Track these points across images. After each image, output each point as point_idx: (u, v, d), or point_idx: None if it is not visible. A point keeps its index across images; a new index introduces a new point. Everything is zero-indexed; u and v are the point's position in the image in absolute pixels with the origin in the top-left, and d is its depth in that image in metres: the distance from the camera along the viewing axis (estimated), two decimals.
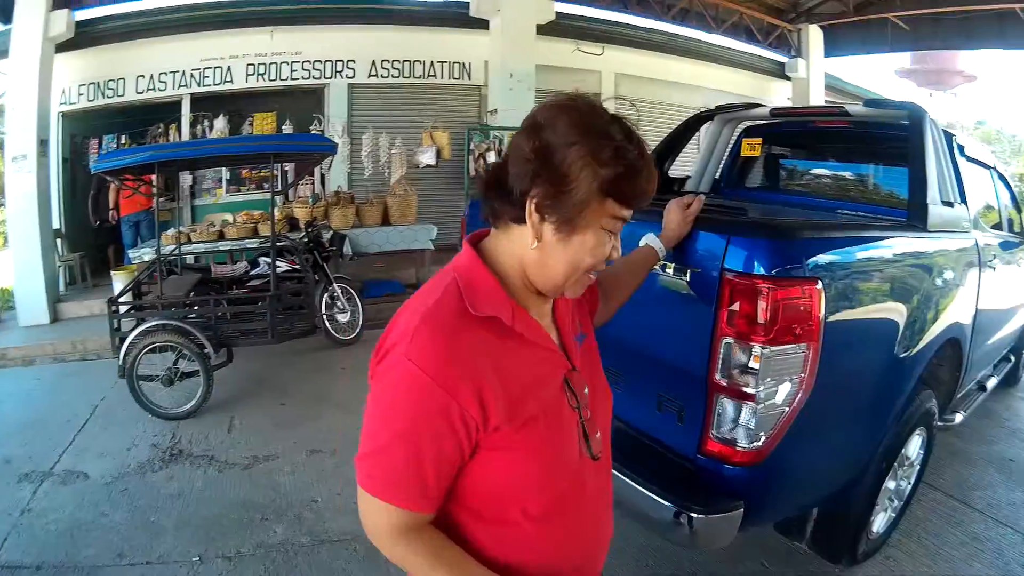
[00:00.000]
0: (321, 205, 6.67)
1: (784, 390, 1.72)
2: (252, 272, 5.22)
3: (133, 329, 4.12)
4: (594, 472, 1.05)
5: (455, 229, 8.01)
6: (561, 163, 0.89)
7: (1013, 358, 4.68)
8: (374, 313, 5.85)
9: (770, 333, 1.65)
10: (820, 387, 1.78)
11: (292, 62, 7.89)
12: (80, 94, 7.73)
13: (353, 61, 8.08)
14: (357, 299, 5.51)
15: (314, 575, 2.55)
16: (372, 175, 7.50)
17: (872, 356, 2.14)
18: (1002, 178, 4.17)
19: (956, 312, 2.72)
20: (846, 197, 3.63)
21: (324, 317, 5.20)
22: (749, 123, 4.26)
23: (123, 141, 7.88)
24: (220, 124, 7.86)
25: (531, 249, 0.94)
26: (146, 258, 5.77)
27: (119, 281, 5.73)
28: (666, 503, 1.79)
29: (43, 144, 6.60)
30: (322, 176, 8.04)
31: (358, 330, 5.47)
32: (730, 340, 1.70)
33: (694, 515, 1.74)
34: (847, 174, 3.87)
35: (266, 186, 8.12)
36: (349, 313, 5.40)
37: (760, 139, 4.07)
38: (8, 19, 6.64)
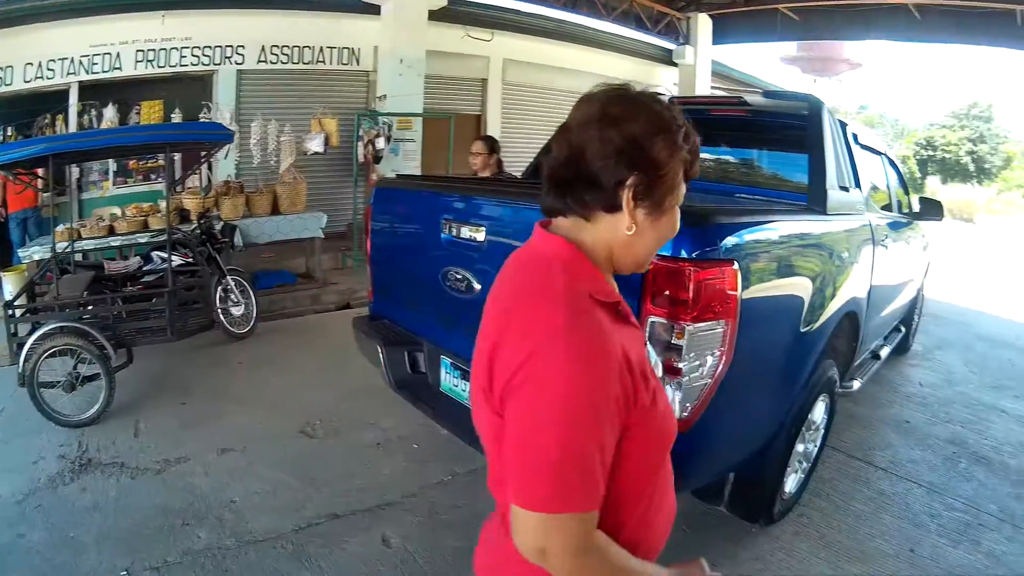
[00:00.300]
0: (211, 195, 6.54)
1: (707, 364, 1.92)
2: (146, 268, 5.08)
3: (31, 334, 3.94)
4: None
5: (345, 216, 8.05)
6: (654, 152, 0.97)
7: (903, 329, 5.21)
8: (267, 305, 5.82)
9: (694, 311, 1.83)
10: (737, 360, 1.99)
11: (182, 48, 7.61)
12: None
13: (243, 47, 7.89)
14: (251, 291, 5.47)
15: None
16: (260, 163, 7.38)
17: (782, 329, 2.39)
18: (892, 163, 4.63)
19: (853, 288, 3.04)
20: (744, 182, 3.92)
21: (219, 311, 5.14)
22: None
23: (9, 133, 7.39)
24: (110, 114, 7.48)
25: (626, 234, 1.00)
26: (36, 257, 5.51)
27: (9, 283, 5.42)
28: None
29: None
30: (209, 165, 7.83)
31: (252, 323, 5.42)
32: (656, 319, 1.88)
33: None
34: (744, 160, 4.15)
35: (154, 177, 7.88)
36: (243, 306, 5.36)
37: None
38: None
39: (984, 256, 16.31)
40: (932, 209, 4.62)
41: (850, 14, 11.35)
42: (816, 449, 3.13)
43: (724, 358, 1.95)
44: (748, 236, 2.07)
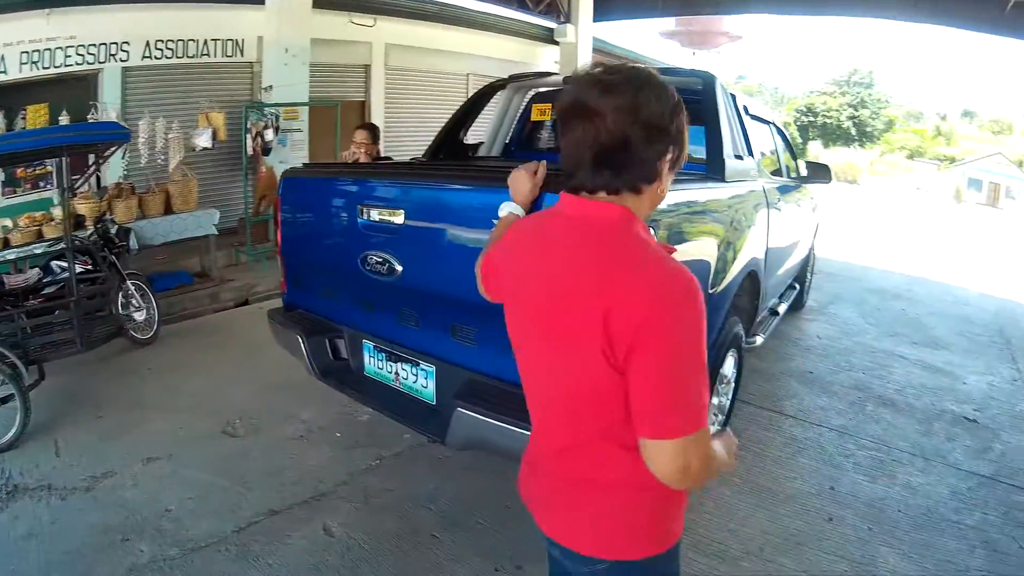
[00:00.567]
0: (106, 199, 6.28)
1: None
2: (46, 279, 4.83)
3: None
4: None
5: (236, 211, 7.95)
6: (681, 127, 1.18)
7: (797, 286, 5.68)
8: (166, 307, 5.64)
9: None
10: None
11: (67, 47, 7.12)
12: None
13: (127, 43, 7.48)
14: (151, 295, 5.31)
15: None
16: (149, 163, 7.10)
17: None
18: (779, 131, 5.02)
19: (752, 249, 3.33)
20: None
21: (124, 317, 4.98)
22: (539, 90, 4.71)
23: None
24: None
25: (660, 197, 1.22)
26: None
27: None
28: None
29: None
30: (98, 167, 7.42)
31: (155, 327, 5.26)
32: None
33: None
34: None
35: (43, 184, 7.36)
36: (144, 311, 5.19)
37: (550, 104, 4.52)
38: None
39: (869, 214, 17.67)
40: (820, 173, 5.04)
41: None
42: (728, 402, 3.42)
43: None
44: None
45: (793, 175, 4.95)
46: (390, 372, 2.86)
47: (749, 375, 4.30)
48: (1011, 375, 5.09)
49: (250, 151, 7.68)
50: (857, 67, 49.16)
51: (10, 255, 5.45)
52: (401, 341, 2.77)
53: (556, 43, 12.83)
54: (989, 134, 46.76)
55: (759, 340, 3.98)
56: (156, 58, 7.76)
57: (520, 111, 4.78)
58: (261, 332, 4.78)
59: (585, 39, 12.84)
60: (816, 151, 38.48)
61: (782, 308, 4.80)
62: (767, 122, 4.57)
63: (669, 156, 1.17)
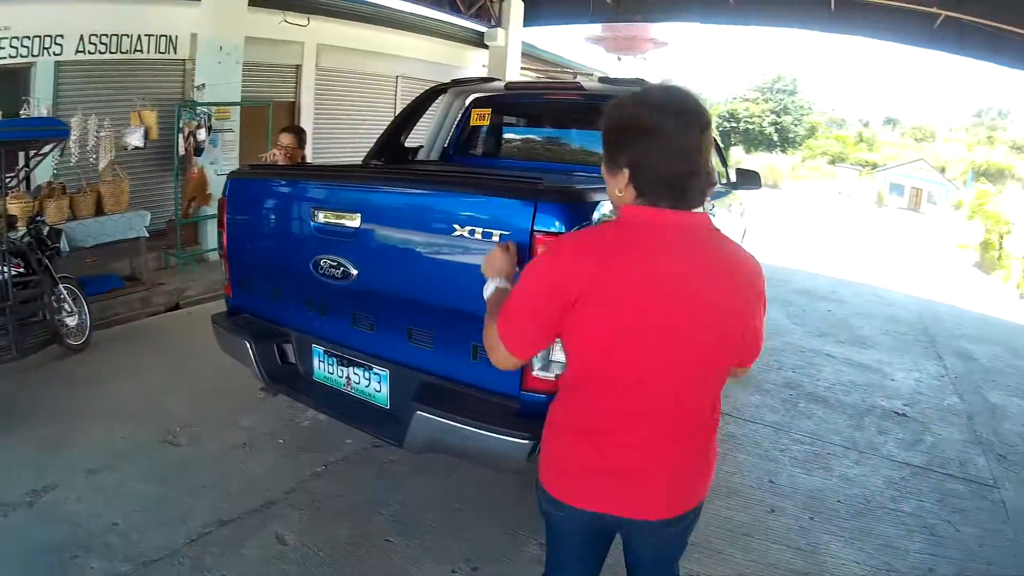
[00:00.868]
0: (38, 199, 6.05)
1: None
2: None
3: None
4: None
5: (166, 213, 7.74)
6: None
7: None
8: (98, 312, 5.45)
9: None
10: None
11: (0, 39, 6.83)
12: None
13: (61, 36, 7.15)
14: (83, 299, 5.14)
15: None
16: (80, 161, 6.83)
17: None
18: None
19: None
20: (578, 161, 4.30)
21: (56, 323, 4.79)
22: (479, 95, 4.80)
23: None
24: None
25: None
26: None
27: None
28: (518, 439, 2.18)
29: None
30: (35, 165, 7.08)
31: (88, 332, 5.08)
32: None
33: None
34: (577, 141, 4.55)
35: None
36: (76, 315, 5.02)
37: (489, 109, 4.61)
38: None
39: (793, 219, 18.41)
40: (750, 179, 5.26)
41: None
42: None
43: None
44: (608, 209, 2.37)
45: (723, 181, 5.16)
46: (341, 377, 2.87)
47: None
48: (937, 371, 5.46)
49: (182, 151, 7.51)
50: (781, 74, 51.27)
51: None
52: (353, 345, 2.79)
53: (486, 47, 12.91)
54: (911, 141, 49.38)
55: None
56: (90, 53, 7.46)
57: (459, 116, 4.85)
58: (195, 337, 4.71)
59: (515, 44, 12.98)
60: (738, 156, 39.84)
61: None
62: None
63: None
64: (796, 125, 48.98)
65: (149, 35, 7.97)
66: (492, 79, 4.81)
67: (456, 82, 4.69)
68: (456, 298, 2.34)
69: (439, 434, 2.36)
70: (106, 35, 7.60)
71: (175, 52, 8.24)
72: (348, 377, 2.84)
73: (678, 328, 1.34)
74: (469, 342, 2.36)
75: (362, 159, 4.65)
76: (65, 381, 4.44)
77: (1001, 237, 13.34)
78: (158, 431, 3.73)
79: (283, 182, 3.07)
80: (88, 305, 5.17)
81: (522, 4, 12.82)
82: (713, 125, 1.36)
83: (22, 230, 5.14)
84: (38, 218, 5.35)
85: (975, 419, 4.52)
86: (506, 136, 4.94)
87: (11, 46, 7.02)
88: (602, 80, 3.99)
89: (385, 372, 2.70)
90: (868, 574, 2.80)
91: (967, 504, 3.42)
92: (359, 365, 2.78)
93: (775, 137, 48.01)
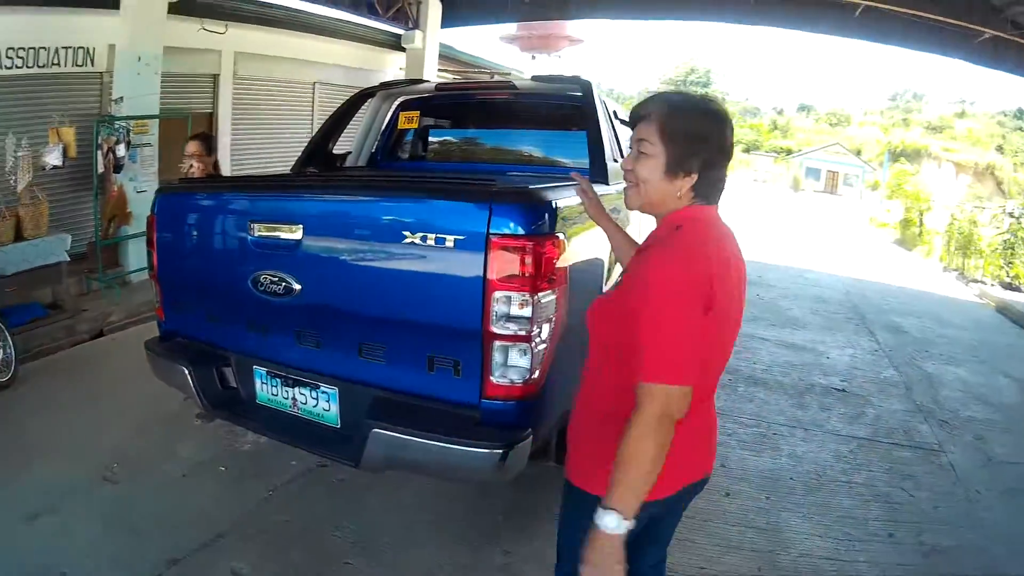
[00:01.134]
0: None
1: (547, 329, 2.20)
2: None
3: None
4: None
5: (86, 235, 7.39)
6: None
7: None
8: (22, 344, 5.14)
9: (538, 282, 2.10)
10: (562, 321, 2.29)
11: None
12: None
13: None
14: (6, 331, 4.82)
15: None
16: None
17: (591, 288, 2.75)
18: None
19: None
20: (510, 161, 4.30)
21: None
22: (406, 97, 4.74)
23: None
24: None
25: None
26: None
27: None
28: (486, 449, 2.15)
29: None
30: None
31: (13, 367, 4.77)
32: (503, 293, 2.11)
33: (510, 450, 2.14)
34: (511, 141, 4.52)
35: None
36: (1, 350, 4.72)
37: (418, 112, 4.57)
38: None
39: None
40: None
41: None
42: None
43: (558, 321, 2.25)
44: (563, 209, 2.37)
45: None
46: (286, 398, 2.78)
47: None
48: (871, 346, 5.72)
49: (101, 168, 7.16)
50: (695, 66, 52.76)
51: None
52: (298, 364, 2.70)
53: (403, 49, 12.83)
54: (826, 126, 51.54)
55: None
56: (7, 67, 7.04)
57: (387, 120, 4.77)
58: (123, 365, 4.48)
59: (432, 45, 12.93)
60: None
61: None
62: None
63: None
64: None
65: (66, 47, 7.60)
66: (422, 81, 4.76)
67: (385, 85, 4.63)
68: (409, 308, 2.31)
69: (398, 451, 2.31)
70: (23, 48, 7.19)
71: (92, 64, 7.89)
72: (294, 398, 2.75)
73: (739, 300, 1.62)
74: (423, 353, 2.33)
75: (290, 168, 4.53)
76: None
77: (921, 214, 14.10)
78: (95, 468, 3.54)
79: (216, 196, 2.96)
80: (12, 338, 4.87)
81: (440, 5, 12.79)
82: None
83: None
84: None
85: (913, 389, 4.75)
86: (437, 139, 4.89)
87: None
88: (536, 78, 3.99)
89: (334, 390, 2.62)
90: (831, 546, 2.91)
91: (917, 470, 3.60)
92: (305, 385, 2.70)
93: None
